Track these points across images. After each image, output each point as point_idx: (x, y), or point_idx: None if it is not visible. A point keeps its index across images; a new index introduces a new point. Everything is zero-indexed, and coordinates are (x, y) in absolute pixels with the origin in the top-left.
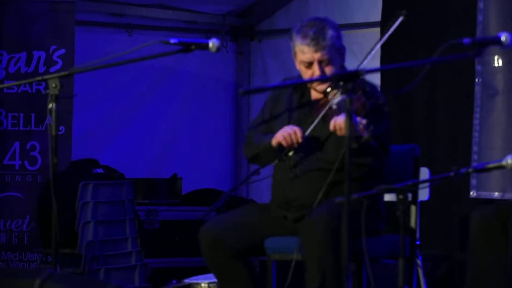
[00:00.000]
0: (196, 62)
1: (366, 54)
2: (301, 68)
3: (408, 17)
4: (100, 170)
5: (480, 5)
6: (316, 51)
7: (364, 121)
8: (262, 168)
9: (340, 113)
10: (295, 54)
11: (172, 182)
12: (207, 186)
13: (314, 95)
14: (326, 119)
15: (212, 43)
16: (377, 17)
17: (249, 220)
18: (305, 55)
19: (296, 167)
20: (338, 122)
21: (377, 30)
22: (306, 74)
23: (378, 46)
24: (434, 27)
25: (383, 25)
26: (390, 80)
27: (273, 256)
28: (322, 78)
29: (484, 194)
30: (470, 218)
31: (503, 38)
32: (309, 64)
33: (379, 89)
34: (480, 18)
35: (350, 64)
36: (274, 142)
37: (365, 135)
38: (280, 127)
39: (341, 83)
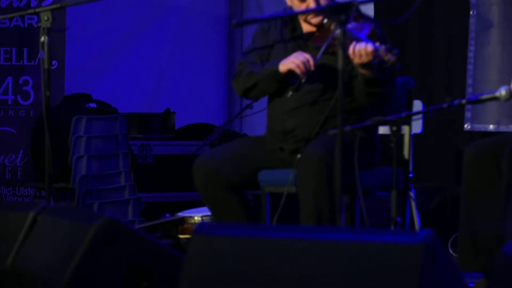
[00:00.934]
0: None
1: None
2: (293, 1)
3: None
4: (93, 105)
5: None
6: None
7: (384, 45)
8: (254, 101)
9: (348, 42)
10: None
11: (165, 117)
12: (200, 121)
13: (306, 28)
14: (330, 49)
15: None
16: None
17: (244, 153)
18: None
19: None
20: (359, 48)
21: None
22: (300, 7)
23: (360, 0)
24: None
25: None
26: (383, 11)
27: (266, 189)
28: (317, 10)
29: (479, 127)
30: (464, 152)
31: None
32: None
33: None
34: None
35: None
36: (283, 68)
37: (392, 59)
38: (275, 58)
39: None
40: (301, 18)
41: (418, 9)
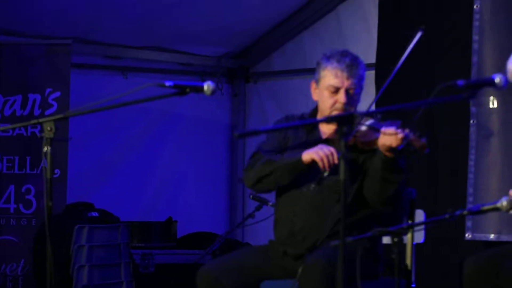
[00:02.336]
0: (191, 104)
1: (379, 90)
2: (324, 94)
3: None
4: (95, 214)
5: (475, 46)
6: (348, 78)
7: (412, 132)
8: (268, 192)
9: (371, 132)
10: (320, 79)
11: (167, 225)
12: (202, 229)
13: (324, 130)
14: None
15: (207, 86)
16: (372, 58)
17: (246, 263)
18: (336, 79)
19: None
20: (390, 130)
21: (371, 72)
22: (329, 100)
23: (399, 65)
24: (429, 69)
25: (379, 66)
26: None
27: None
28: (317, 121)
29: (479, 236)
30: (463, 264)
31: (497, 80)
32: (336, 90)
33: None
34: (475, 59)
35: None
36: (306, 157)
37: (422, 142)
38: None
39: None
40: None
41: (420, 118)
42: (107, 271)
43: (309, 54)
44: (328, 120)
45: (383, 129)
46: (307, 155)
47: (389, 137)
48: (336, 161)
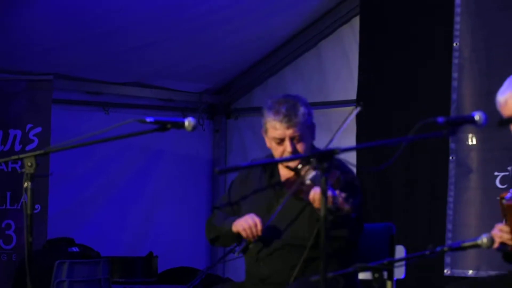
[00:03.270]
0: (173, 140)
1: (328, 141)
2: (272, 145)
3: (383, 95)
4: (75, 249)
5: (454, 84)
6: (288, 128)
7: (343, 194)
8: (224, 248)
9: (315, 188)
10: (266, 130)
11: (148, 261)
12: (183, 265)
13: (284, 173)
14: (300, 195)
15: (188, 122)
16: (352, 94)
17: None
18: (277, 131)
19: (264, 247)
20: (318, 193)
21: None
22: (277, 150)
23: (339, 133)
24: (408, 106)
25: (358, 102)
26: (365, 158)
27: None
28: (297, 157)
29: (458, 272)
30: None
31: (477, 117)
32: (281, 141)
33: (347, 164)
34: (454, 96)
35: (324, 140)
36: (234, 229)
37: (346, 207)
38: (250, 208)
39: (313, 160)
40: (280, 164)
41: (400, 155)
42: None
43: (290, 90)
44: (309, 157)
45: (311, 192)
46: (235, 226)
47: (319, 200)
48: (259, 233)
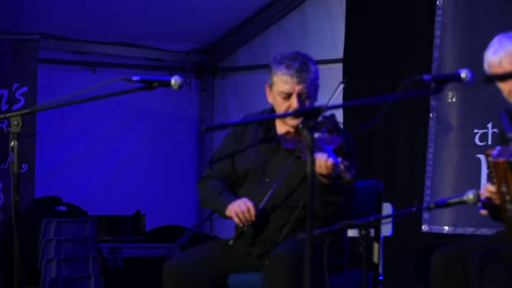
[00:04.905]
0: (161, 99)
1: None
2: (276, 99)
3: (368, 54)
4: (63, 208)
5: (437, 41)
6: (298, 83)
7: (345, 163)
8: None
9: (317, 150)
10: (272, 84)
11: (135, 219)
12: (171, 223)
13: (281, 129)
14: (299, 155)
15: (174, 81)
16: (336, 53)
17: (213, 256)
18: (286, 86)
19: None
20: (320, 159)
21: (337, 65)
22: (282, 105)
23: (329, 106)
24: (393, 64)
25: (346, 61)
26: (352, 116)
27: None
28: (285, 115)
29: (436, 229)
30: (431, 258)
31: (463, 75)
32: (288, 96)
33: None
34: (436, 54)
35: None
36: (228, 213)
37: (348, 177)
38: (246, 162)
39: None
40: (278, 119)
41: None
42: (75, 265)
43: (274, 49)
44: (295, 113)
45: (315, 155)
46: (228, 211)
47: (319, 165)
48: (253, 218)
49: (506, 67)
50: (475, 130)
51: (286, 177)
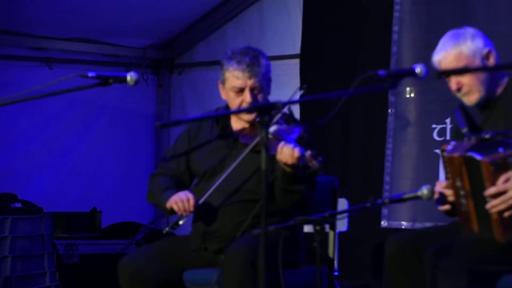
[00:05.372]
0: (118, 96)
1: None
2: (229, 94)
3: (326, 49)
4: (18, 205)
5: (395, 37)
6: (250, 78)
7: (311, 151)
8: None
9: (275, 142)
10: (225, 80)
11: (91, 216)
12: (127, 219)
13: (236, 125)
14: (257, 149)
15: (130, 77)
16: (293, 49)
17: (169, 252)
18: (238, 81)
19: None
20: (287, 149)
21: (295, 60)
22: (235, 101)
23: (283, 110)
24: (351, 59)
25: (304, 56)
26: (309, 111)
27: None
28: (240, 110)
29: (395, 224)
30: (385, 244)
31: (418, 70)
32: (240, 91)
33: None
34: (394, 49)
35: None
36: (168, 205)
37: (316, 165)
38: (203, 160)
39: (274, 113)
40: (233, 115)
41: (340, 109)
42: (31, 262)
43: (232, 45)
44: (250, 110)
45: (280, 145)
46: (169, 202)
47: (285, 155)
48: (192, 208)
49: (445, 68)
50: (434, 125)
51: (243, 172)
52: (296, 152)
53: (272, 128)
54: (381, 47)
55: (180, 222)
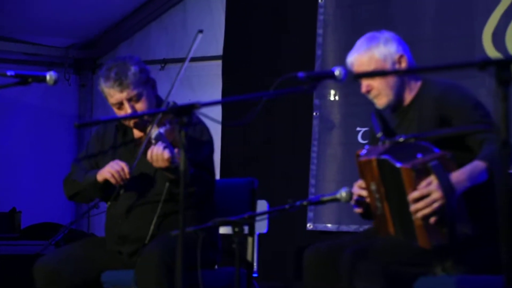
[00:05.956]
0: (40, 95)
1: (174, 79)
2: (115, 111)
3: (249, 51)
4: None
5: (319, 40)
6: (121, 91)
7: (177, 149)
8: (87, 204)
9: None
10: (106, 98)
11: (10, 216)
12: (47, 220)
13: (137, 133)
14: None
15: (50, 76)
16: (217, 50)
17: (86, 254)
18: (113, 98)
19: (129, 205)
20: (156, 153)
21: (217, 61)
22: (120, 114)
23: (184, 67)
24: (275, 62)
25: (226, 57)
26: (231, 113)
27: None
28: (155, 112)
29: (320, 227)
30: (303, 255)
31: (337, 72)
32: (120, 105)
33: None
34: (318, 52)
35: (188, 96)
36: (100, 178)
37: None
38: (106, 163)
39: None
40: (127, 123)
41: (263, 109)
42: None
43: (155, 45)
44: (168, 111)
45: (149, 151)
46: (100, 175)
47: (156, 160)
48: (127, 175)
49: (357, 71)
50: (358, 128)
51: (147, 175)
52: (166, 154)
53: (155, 133)
54: (306, 50)
55: (122, 192)
